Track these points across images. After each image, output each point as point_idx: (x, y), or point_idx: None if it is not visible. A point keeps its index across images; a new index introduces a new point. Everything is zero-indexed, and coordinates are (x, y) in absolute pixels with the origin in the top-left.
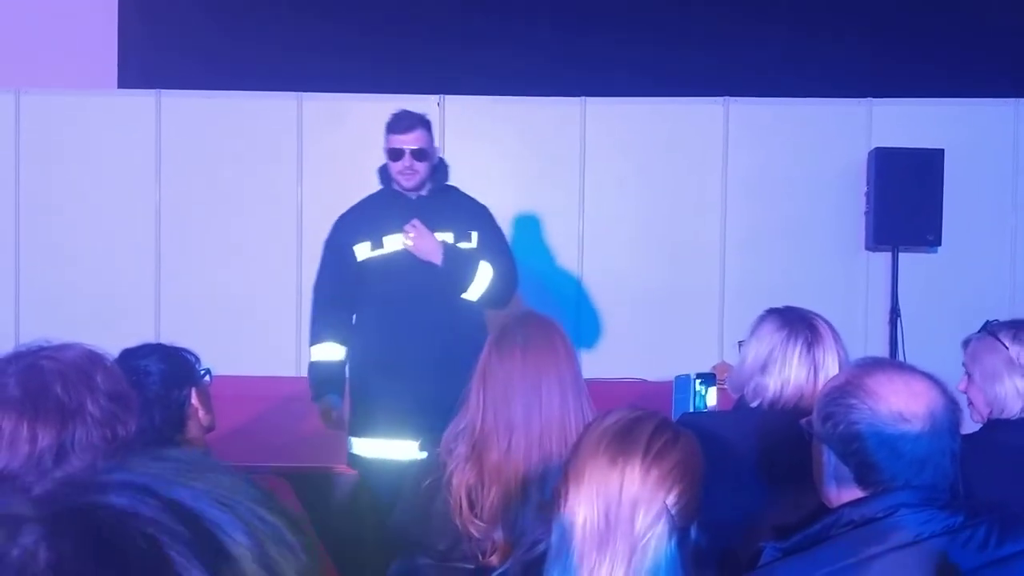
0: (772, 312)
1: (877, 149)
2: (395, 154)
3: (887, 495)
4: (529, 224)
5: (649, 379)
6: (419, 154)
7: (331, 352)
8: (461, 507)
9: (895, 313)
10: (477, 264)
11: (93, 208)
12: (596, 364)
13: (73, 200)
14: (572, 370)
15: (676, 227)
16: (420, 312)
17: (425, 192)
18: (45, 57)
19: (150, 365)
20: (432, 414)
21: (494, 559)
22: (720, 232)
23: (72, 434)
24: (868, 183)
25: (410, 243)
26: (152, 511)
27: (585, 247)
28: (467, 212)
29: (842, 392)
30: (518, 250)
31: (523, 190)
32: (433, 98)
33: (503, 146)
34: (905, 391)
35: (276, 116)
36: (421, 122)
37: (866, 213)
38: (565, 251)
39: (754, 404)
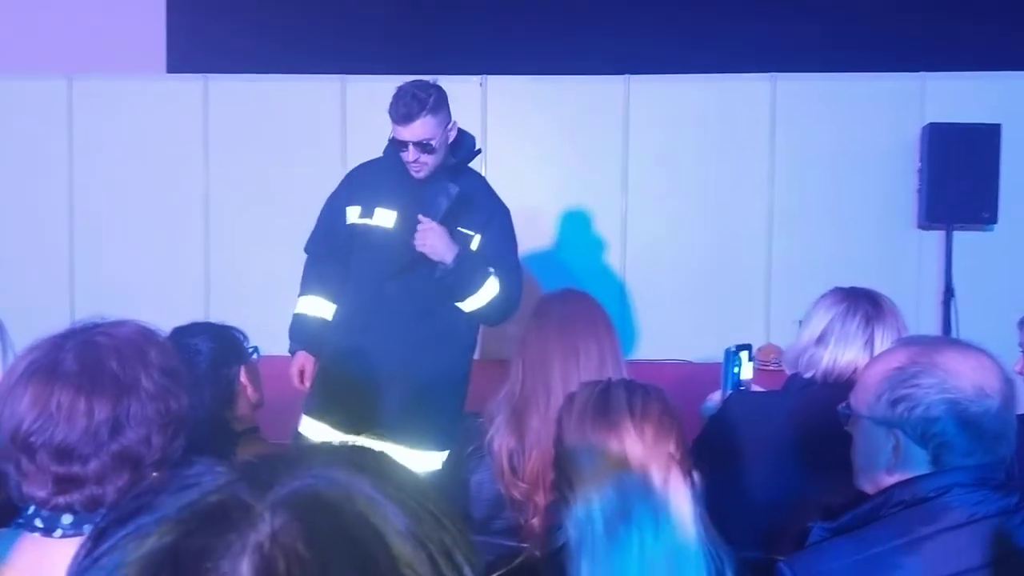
0: (837, 288)
1: (931, 124)
2: (399, 145)
3: (940, 475)
4: (572, 204)
5: (694, 360)
6: (425, 147)
7: (316, 307)
8: (503, 471)
9: (949, 293)
10: (486, 278)
11: (143, 190)
12: (639, 345)
13: (124, 183)
14: (611, 337)
15: (721, 206)
16: (395, 298)
17: (436, 173)
18: (96, 43)
19: (200, 343)
20: (388, 412)
21: (536, 522)
22: (767, 211)
23: (127, 408)
24: (921, 159)
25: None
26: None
27: (628, 226)
28: (479, 210)
29: (912, 374)
30: (561, 230)
31: (566, 170)
32: (475, 79)
33: (546, 125)
34: (978, 366)
35: (320, 99)
36: (423, 107)
37: (919, 191)
38: (608, 231)
39: (807, 375)
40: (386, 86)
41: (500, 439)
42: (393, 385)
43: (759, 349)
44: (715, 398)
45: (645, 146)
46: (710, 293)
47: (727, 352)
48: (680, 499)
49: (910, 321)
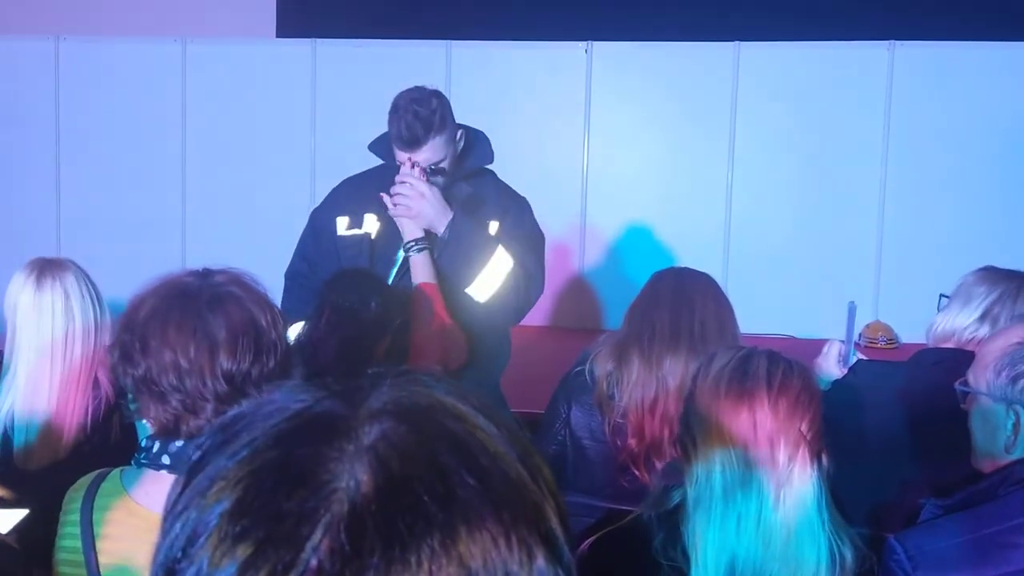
0: (992, 268)
1: None
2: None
3: None
4: (676, 173)
5: (797, 336)
6: (435, 171)
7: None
8: (601, 394)
9: None
10: (491, 248)
11: (253, 152)
12: (741, 318)
13: (235, 144)
14: (730, 307)
15: (831, 178)
16: None
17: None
18: (209, 6)
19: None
20: None
21: (633, 443)
22: (880, 185)
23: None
24: None
25: (392, 207)
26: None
27: (734, 197)
28: (493, 202)
29: None
30: (664, 200)
31: (671, 138)
32: (580, 45)
33: (652, 93)
34: None
35: (426, 63)
36: (429, 128)
37: None
38: (713, 201)
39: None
40: (491, 51)
41: (601, 364)
42: None
43: (866, 326)
44: (831, 352)
45: (754, 115)
46: (816, 268)
47: (851, 306)
48: (804, 479)
49: None
